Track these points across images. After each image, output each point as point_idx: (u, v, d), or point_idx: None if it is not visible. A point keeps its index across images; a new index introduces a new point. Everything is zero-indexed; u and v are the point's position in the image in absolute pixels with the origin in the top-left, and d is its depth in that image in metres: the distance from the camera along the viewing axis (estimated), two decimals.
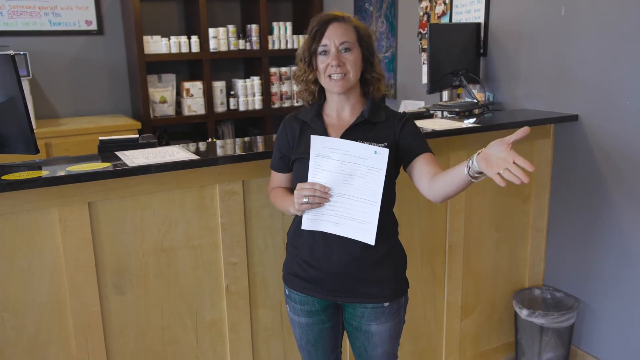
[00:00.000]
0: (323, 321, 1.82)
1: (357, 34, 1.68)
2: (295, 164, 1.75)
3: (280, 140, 1.80)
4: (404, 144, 1.70)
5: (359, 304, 1.76)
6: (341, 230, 1.65)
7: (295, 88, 4.71)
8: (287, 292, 1.85)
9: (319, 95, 1.77)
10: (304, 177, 1.65)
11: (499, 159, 1.35)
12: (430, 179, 1.62)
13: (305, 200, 1.62)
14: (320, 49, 1.66)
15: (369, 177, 1.58)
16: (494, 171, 1.34)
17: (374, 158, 1.57)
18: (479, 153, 1.43)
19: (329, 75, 1.66)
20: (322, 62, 1.67)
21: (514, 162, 1.31)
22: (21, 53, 3.65)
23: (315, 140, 1.61)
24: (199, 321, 2.10)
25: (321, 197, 1.61)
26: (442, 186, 1.57)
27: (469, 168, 1.45)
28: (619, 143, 2.50)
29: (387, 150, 1.55)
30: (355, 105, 1.74)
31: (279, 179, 1.85)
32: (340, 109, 1.74)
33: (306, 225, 1.68)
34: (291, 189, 1.81)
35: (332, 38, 1.65)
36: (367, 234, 1.62)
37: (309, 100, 1.78)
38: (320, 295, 1.76)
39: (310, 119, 1.74)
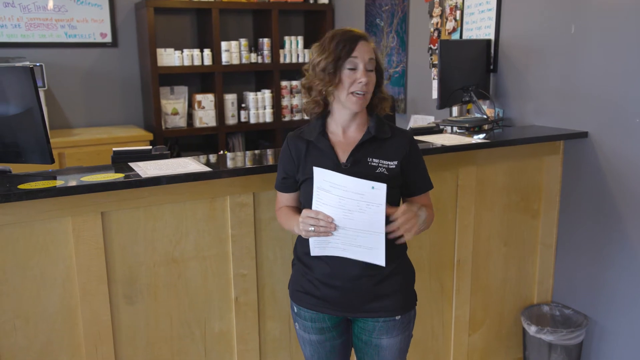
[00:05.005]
0: (334, 337, 1.82)
1: (375, 56, 1.71)
2: (302, 185, 1.74)
3: (285, 161, 1.78)
4: (406, 173, 1.74)
5: (370, 318, 1.76)
6: (350, 254, 1.66)
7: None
8: (295, 310, 1.85)
9: (324, 110, 1.75)
10: (311, 199, 1.64)
11: None
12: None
13: (311, 228, 1.63)
14: (349, 64, 1.65)
15: (368, 212, 1.56)
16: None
17: (371, 193, 1.55)
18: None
19: (352, 92, 1.65)
20: (349, 76, 1.65)
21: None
22: (37, 64, 3.71)
23: (317, 173, 1.62)
24: (208, 332, 2.11)
25: (325, 227, 1.61)
26: None
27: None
28: (628, 160, 2.50)
29: (384, 186, 1.54)
30: (361, 122, 1.75)
31: (285, 198, 1.84)
32: (347, 126, 1.74)
33: (315, 252, 1.70)
34: (298, 208, 1.82)
35: (363, 55, 1.66)
36: (377, 257, 1.62)
37: (314, 112, 1.75)
38: (332, 311, 1.77)
39: (316, 138, 1.73)
